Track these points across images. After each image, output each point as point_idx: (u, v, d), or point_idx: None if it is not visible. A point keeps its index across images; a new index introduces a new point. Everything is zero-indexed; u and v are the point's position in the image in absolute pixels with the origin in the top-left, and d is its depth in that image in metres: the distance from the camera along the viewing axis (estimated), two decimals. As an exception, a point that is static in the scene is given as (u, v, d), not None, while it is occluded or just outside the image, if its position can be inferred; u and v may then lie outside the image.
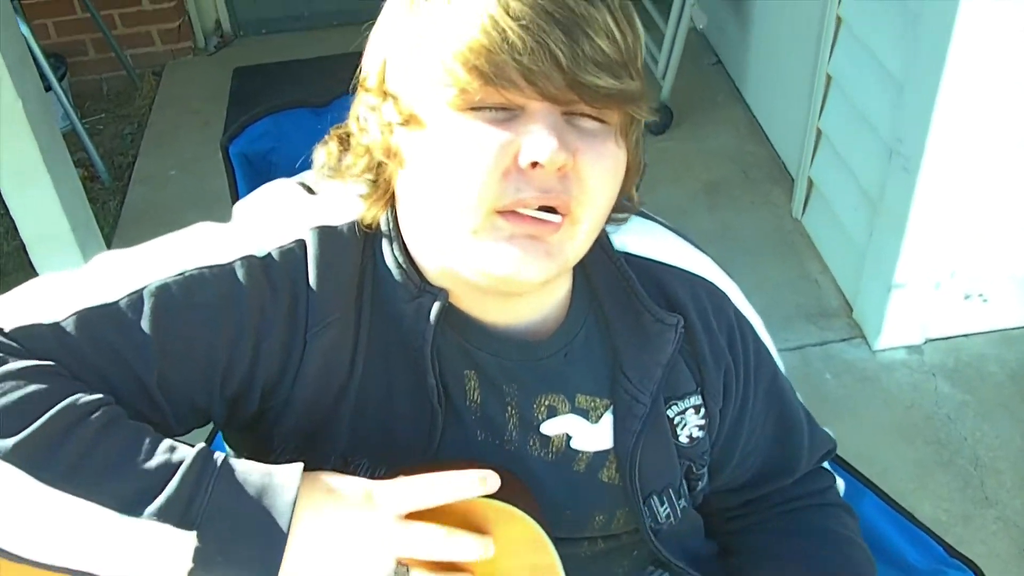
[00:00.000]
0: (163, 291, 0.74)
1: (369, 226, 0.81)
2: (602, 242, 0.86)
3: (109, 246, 2.64)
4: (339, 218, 0.80)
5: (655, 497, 0.90)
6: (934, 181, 2.01)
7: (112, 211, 2.95)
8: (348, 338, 0.80)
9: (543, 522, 0.75)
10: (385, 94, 0.76)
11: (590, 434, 0.87)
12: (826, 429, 1.04)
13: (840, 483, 1.06)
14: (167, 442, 0.68)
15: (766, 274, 2.54)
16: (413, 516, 0.71)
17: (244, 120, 1.28)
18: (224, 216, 0.85)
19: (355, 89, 0.81)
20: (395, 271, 0.80)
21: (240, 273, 0.76)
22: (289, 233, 0.79)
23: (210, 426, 0.84)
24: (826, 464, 1.05)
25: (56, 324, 0.70)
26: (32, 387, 0.66)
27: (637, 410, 0.86)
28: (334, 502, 0.69)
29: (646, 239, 0.91)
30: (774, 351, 0.97)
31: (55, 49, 3.43)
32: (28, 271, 2.44)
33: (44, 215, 2.27)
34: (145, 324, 0.72)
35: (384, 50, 0.77)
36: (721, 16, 3.25)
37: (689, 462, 0.92)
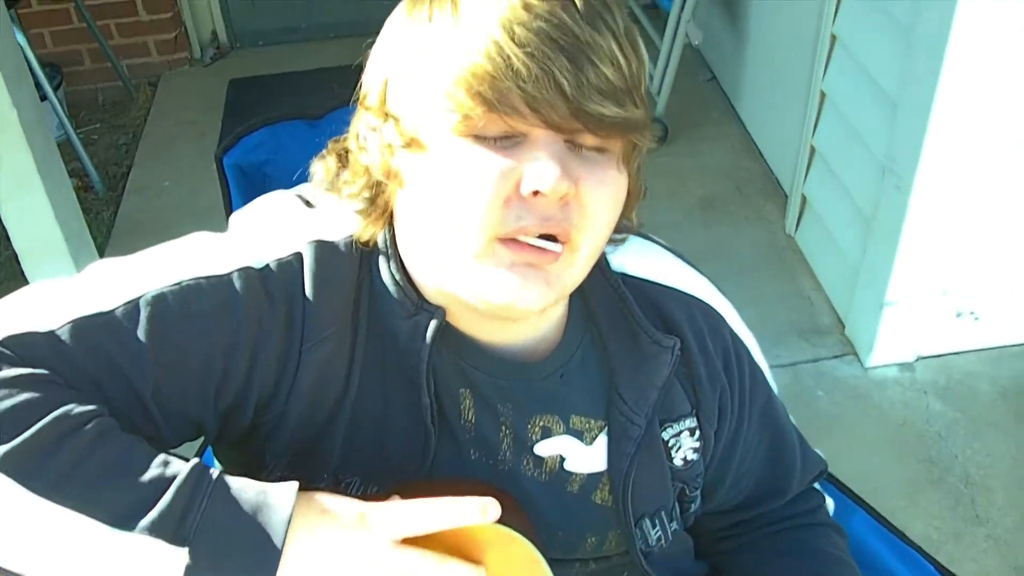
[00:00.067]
0: (159, 301, 0.73)
1: (366, 243, 0.80)
2: (600, 263, 0.86)
3: (102, 256, 2.63)
4: (337, 233, 0.80)
5: (647, 520, 0.90)
6: (927, 199, 2.02)
7: (106, 221, 2.94)
8: (344, 354, 0.79)
9: (539, 544, 0.74)
10: (386, 115, 0.75)
11: (584, 456, 0.87)
12: (817, 451, 1.04)
13: (830, 502, 1.06)
14: (161, 456, 0.67)
15: (759, 290, 2.54)
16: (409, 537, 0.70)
17: (239, 131, 1.28)
18: (218, 228, 0.85)
19: (354, 103, 0.81)
20: (392, 288, 0.80)
21: (237, 284, 0.75)
22: (287, 246, 0.79)
23: (199, 440, 0.83)
24: (816, 483, 1.05)
25: (51, 333, 0.70)
26: (25, 395, 0.65)
27: (632, 432, 0.86)
28: (328, 522, 0.68)
29: (643, 260, 0.90)
30: (768, 373, 0.97)
31: (51, 59, 3.43)
32: (20, 280, 2.43)
33: (37, 225, 2.26)
34: (141, 334, 0.72)
35: (386, 69, 0.76)
36: (716, 33, 3.26)
37: (683, 484, 0.92)
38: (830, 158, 2.45)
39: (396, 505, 0.70)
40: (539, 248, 0.71)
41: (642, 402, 0.86)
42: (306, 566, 0.66)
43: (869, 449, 2.14)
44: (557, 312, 0.85)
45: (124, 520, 0.63)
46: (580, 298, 0.87)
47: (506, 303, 0.73)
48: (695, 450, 0.91)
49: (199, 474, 0.66)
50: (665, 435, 0.89)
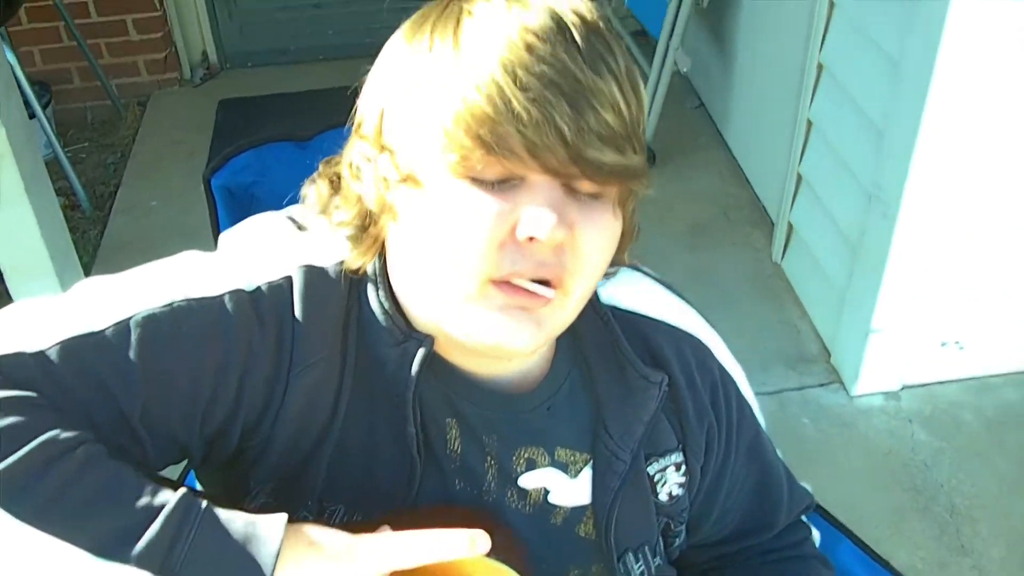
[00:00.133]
0: (150, 322, 0.72)
1: (356, 271, 0.80)
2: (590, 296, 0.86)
3: (88, 276, 2.62)
4: (327, 259, 0.79)
5: (630, 554, 0.89)
6: (913, 228, 2.03)
7: (92, 240, 2.93)
8: (332, 380, 0.79)
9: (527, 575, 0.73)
10: (382, 147, 0.74)
11: (568, 489, 0.86)
12: (804, 484, 1.03)
13: (816, 535, 1.05)
14: (150, 484, 0.66)
15: (746, 317, 2.55)
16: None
17: (227, 152, 1.27)
18: (205, 249, 0.84)
19: (348, 128, 0.80)
20: (380, 316, 0.79)
21: (228, 307, 0.75)
22: (277, 269, 0.78)
23: (183, 464, 0.83)
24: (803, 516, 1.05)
25: (40, 353, 0.69)
26: (11, 419, 0.64)
27: (617, 467, 0.85)
28: (316, 555, 0.67)
29: (633, 292, 0.90)
30: (756, 407, 0.97)
31: (40, 77, 3.43)
32: (4, 299, 2.42)
33: (23, 243, 2.25)
34: (131, 355, 0.71)
35: (383, 98, 0.75)
36: (705, 60, 3.29)
37: (667, 519, 0.91)
38: (816, 186, 2.47)
39: (384, 537, 0.70)
40: (531, 292, 0.71)
41: (628, 437, 0.85)
42: None
43: (854, 478, 2.14)
44: (546, 345, 0.85)
45: (110, 549, 0.62)
46: (569, 330, 0.86)
47: (495, 344, 0.73)
48: (680, 485, 0.90)
49: (188, 504, 0.65)
50: (651, 470, 0.88)
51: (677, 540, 0.94)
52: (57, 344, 0.69)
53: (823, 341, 2.47)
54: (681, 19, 2.90)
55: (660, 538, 0.92)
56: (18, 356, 0.68)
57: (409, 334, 0.79)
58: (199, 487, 0.89)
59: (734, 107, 3.20)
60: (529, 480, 0.85)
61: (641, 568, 0.90)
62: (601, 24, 0.71)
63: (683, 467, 0.90)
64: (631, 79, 0.71)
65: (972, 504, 2.07)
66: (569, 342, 0.87)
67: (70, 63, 3.55)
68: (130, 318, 0.72)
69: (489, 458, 0.83)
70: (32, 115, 2.85)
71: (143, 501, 0.65)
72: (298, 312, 0.77)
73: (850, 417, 2.28)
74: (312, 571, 0.66)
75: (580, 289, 0.74)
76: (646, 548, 0.90)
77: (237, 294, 0.75)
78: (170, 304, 0.73)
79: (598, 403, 0.86)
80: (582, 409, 0.87)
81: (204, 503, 0.66)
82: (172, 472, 0.81)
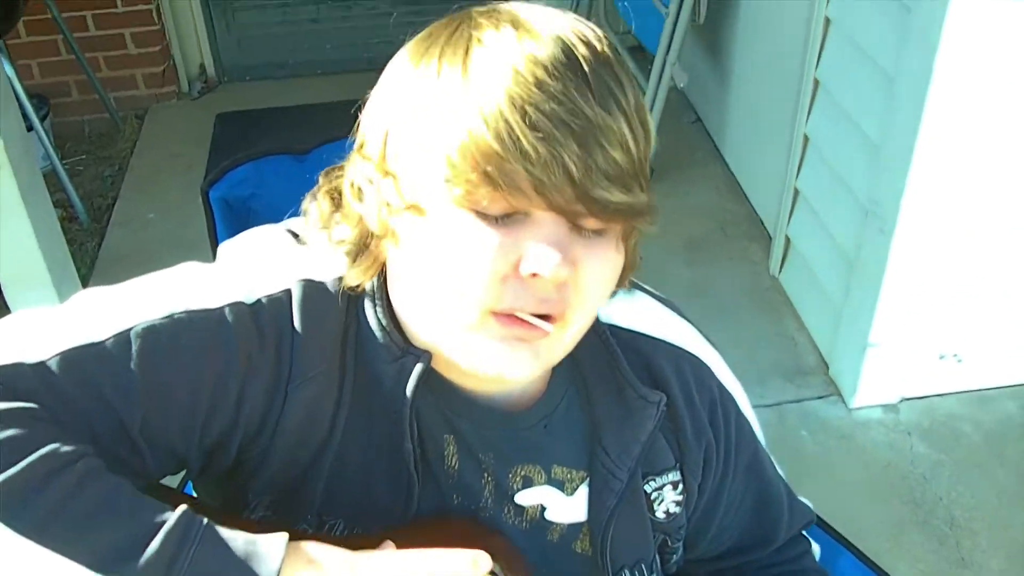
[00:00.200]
0: (150, 333, 0.72)
1: (354, 287, 0.79)
2: None
3: (85, 288, 2.61)
4: (325, 273, 0.79)
5: (626, 571, 0.89)
6: (909, 242, 2.04)
7: (90, 252, 2.93)
8: (331, 394, 0.78)
9: None
10: (386, 172, 0.73)
11: (564, 506, 0.86)
12: (805, 500, 1.03)
13: (816, 548, 1.05)
14: (150, 501, 0.66)
15: (744, 331, 2.55)
16: None
17: (225, 165, 1.27)
18: (203, 261, 0.85)
19: (350, 144, 0.79)
20: (378, 333, 0.79)
21: (228, 319, 0.74)
22: (277, 282, 0.78)
23: (180, 475, 0.82)
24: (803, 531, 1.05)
25: (40, 364, 0.68)
26: (11, 431, 0.64)
27: (613, 485, 0.85)
28: (316, 573, 0.66)
29: (632, 311, 0.90)
30: (756, 425, 0.96)
31: (38, 89, 3.43)
32: (1, 310, 2.41)
33: (21, 254, 2.25)
34: (132, 366, 0.71)
35: (387, 119, 0.73)
36: (702, 75, 3.30)
37: (664, 536, 0.91)
38: (813, 200, 2.47)
39: (385, 556, 0.69)
40: (531, 324, 0.71)
41: (625, 456, 0.85)
42: None
43: (853, 490, 2.14)
44: (542, 372, 0.85)
45: (109, 564, 0.62)
46: None
47: (494, 374, 0.73)
48: (677, 503, 0.90)
49: (188, 521, 0.65)
50: (647, 488, 0.88)
51: (674, 556, 0.94)
52: (57, 355, 0.69)
53: (821, 354, 2.47)
54: (678, 35, 2.91)
55: (657, 555, 0.92)
56: (18, 367, 0.68)
57: (407, 350, 0.79)
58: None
59: (731, 122, 3.21)
60: (526, 497, 0.85)
61: None
62: (611, 55, 0.70)
63: (680, 485, 0.90)
64: (640, 114, 0.70)
65: (971, 516, 2.07)
66: (567, 360, 0.86)
67: (68, 76, 3.55)
68: (130, 329, 0.72)
69: (486, 475, 0.83)
70: (30, 128, 2.85)
71: (144, 517, 0.64)
72: (297, 325, 0.76)
73: (848, 430, 2.28)
74: None
75: (580, 322, 0.74)
76: (642, 565, 0.90)
77: (237, 306, 0.75)
78: (170, 315, 0.73)
79: (595, 421, 0.86)
80: (579, 427, 0.86)
81: (205, 520, 0.65)
82: (171, 481, 0.81)
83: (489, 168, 0.66)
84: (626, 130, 0.68)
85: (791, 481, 1.02)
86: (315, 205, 0.81)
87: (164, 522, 0.64)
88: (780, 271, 2.73)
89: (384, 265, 0.79)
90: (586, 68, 0.67)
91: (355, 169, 0.77)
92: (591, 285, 0.72)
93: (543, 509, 0.86)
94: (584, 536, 0.87)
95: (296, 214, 0.84)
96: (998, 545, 2.01)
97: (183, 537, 0.64)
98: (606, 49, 0.70)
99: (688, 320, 0.94)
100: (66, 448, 0.65)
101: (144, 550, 0.62)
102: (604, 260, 0.72)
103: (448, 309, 0.72)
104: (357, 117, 0.77)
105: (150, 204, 3.12)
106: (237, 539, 0.65)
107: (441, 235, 0.70)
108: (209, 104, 3.68)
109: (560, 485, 0.86)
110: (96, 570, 0.61)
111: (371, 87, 0.77)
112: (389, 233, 0.74)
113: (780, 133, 2.62)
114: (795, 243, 2.61)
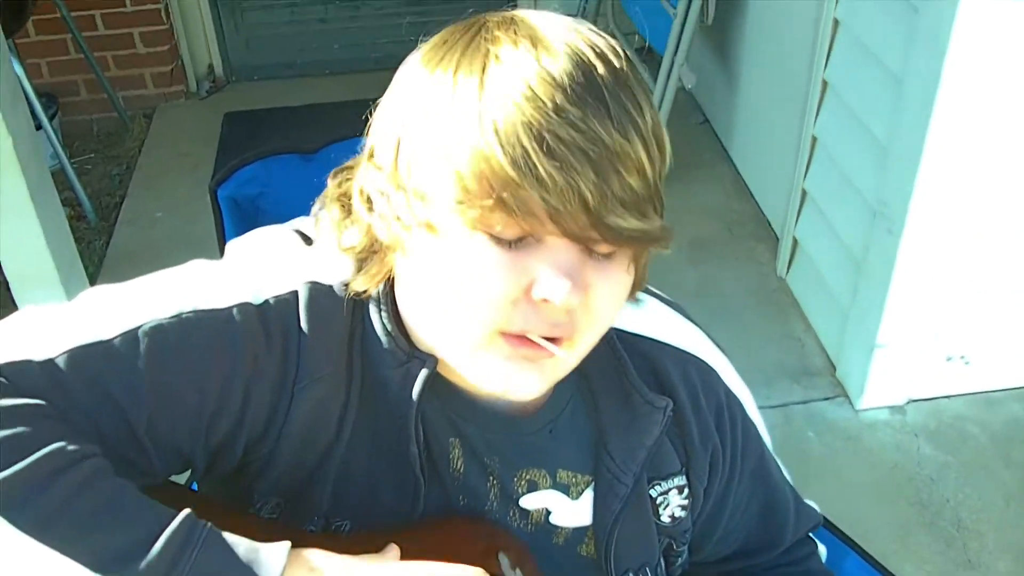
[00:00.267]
0: (158, 332, 0.72)
1: (360, 292, 0.79)
2: None
3: (93, 286, 2.62)
4: (333, 276, 0.79)
5: (631, 574, 0.89)
6: (917, 244, 2.03)
7: (98, 251, 2.94)
8: (338, 397, 0.78)
9: None
10: (398, 185, 0.72)
11: (570, 510, 0.86)
12: (811, 503, 1.03)
13: (822, 549, 1.05)
14: (154, 503, 0.66)
15: (750, 331, 2.54)
16: None
17: (233, 164, 1.28)
18: (210, 259, 0.85)
19: (359, 137, 0.78)
20: (383, 338, 0.79)
21: (236, 319, 0.74)
22: (285, 283, 0.78)
23: (185, 475, 0.82)
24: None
25: (48, 361, 0.68)
26: (18, 428, 0.64)
27: (618, 489, 0.85)
28: None
29: (639, 314, 0.89)
30: (763, 429, 0.96)
31: (47, 88, 3.44)
32: (9, 308, 2.42)
33: (29, 253, 2.26)
34: (139, 365, 0.71)
35: (399, 128, 0.71)
36: (709, 76, 3.30)
37: (670, 540, 0.91)
38: (821, 201, 2.47)
39: (386, 566, 0.70)
40: (540, 345, 0.71)
41: (630, 461, 0.85)
42: None
43: (860, 491, 2.14)
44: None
45: (110, 565, 0.62)
46: None
47: (500, 391, 0.73)
48: (683, 507, 0.90)
49: (191, 524, 0.65)
50: (653, 492, 0.88)
51: (679, 560, 0.94)
52: (65, 352, 0.69)
53: (828, 355, 2.47)
54: (686, 35, 2.91)
55: (662, 558, 0.91)
56: (25, 364, 0.68)
57: (412, 354, 0.78)
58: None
59: (738, 123, 3.20)
60: (530, 501, 0.85)
61: None
62: (630, 73, 0.69)
63: (686, 490, 0.90)
64: (657, 134, 0.68)
65: (978, 518, 2.07)
66: None
67: (77, 75, 3.56)
68: (138, 328, 0.72)
69: (491, 478, 0.83)
70: (39, 126, 2.87)
71: (147, 519, 0.64)
72: (304, 326, 0.76)
73: (855, 431, 2.27)
74: None
75: (587, 342, 0.74)
76: (647, 568, 0.90)
77: (245, 307, 0.75)
78: (178, 315, 0.73)
79: (601, 426, 0.86)
80: (584, 431, 0.86)
81: (208, 525, 0.66)
82: (175, 481, 0.81)
83: (505, 194, 0.64)
84: (643, 155, 0.66)
85: (797, 482, 1.02)
86: (326, 214, 0.80)
87: (167, 525, 0.64)
88: (787, 272, 2.72)
89: (391, 272, 0.78)
90: (605, 91, 0.66)
91: (366, 176, 0.75)
92: (601, 308, 0.72)
93: (548, 513, 0.86)
94: (589, 540, 0.87)
95: (304, 214, 0.84)
96: (1005, 547, 2.01)
97: (186, 540, 0.64)
98: (624, 66, 0.68)
99: (695, 323, 0.94)
100: (72, 447, 0.65)
101: (146, 552, 0.62)
102: (615, 283, 0.72)
103: (457, 327, 0.72)
104: (365, 117, 0.76)
105: (158, 203, 3.13)
106: (240, 545, 0.66)
107: (453, 256, 0.69)
108: (217, 103, 3.69)
109: (565, 489, 0.86)
110: (97, 570, 0.61)
111: (379, 87, 0.76)
112: (399, 245, 0.74)
113: (788, 134, 2.62)
114: (802, 244, 2.61)
